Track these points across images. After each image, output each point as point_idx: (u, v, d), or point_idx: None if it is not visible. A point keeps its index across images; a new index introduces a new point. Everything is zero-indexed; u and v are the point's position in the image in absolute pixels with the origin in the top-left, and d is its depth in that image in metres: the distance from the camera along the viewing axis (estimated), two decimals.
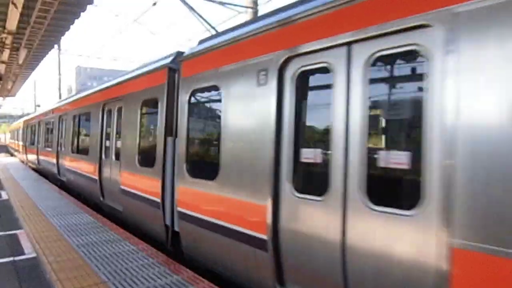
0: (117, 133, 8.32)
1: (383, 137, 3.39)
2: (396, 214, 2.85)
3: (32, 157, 21.00)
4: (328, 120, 3.42)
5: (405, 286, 2.78)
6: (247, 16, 10.69)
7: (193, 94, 5.38)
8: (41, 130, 18.49)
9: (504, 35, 2.31)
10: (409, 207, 2.78)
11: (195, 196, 5.10)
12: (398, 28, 2.86)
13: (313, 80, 3.85)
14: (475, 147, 2.40)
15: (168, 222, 5.83)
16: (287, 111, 3.80)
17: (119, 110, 8.14)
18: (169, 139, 5.90)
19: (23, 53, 14.00)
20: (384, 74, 3.25)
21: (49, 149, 15.72)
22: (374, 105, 3.26)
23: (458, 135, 2.47)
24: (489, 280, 2.31)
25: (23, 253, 5.48)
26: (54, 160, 14.34)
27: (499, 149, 2.29)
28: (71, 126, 12.14)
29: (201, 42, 5.63)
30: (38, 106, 46.05)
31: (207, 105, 5.59)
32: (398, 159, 2.94)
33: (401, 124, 3.23)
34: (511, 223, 2.22)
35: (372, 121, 3.20)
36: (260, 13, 10.65)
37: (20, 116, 50.21)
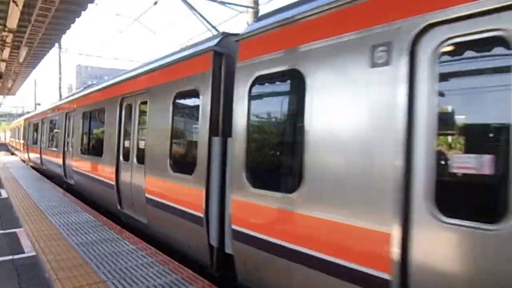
0: (139, 132, 7.23)
1: None
2: None
3: (34, 156, 19.89)
4: (497, 114, 2.53)
5: None
6: (247, 16, 10.69)
7: (256, 82, 4.22)
8: (44, 128, 17.25)
9: None
10: None
11: (261, 212, 3.99)
12: None
13: (471, 57, 2.68)
14: None
15: (213, 241, 4.75)
16: (425, 101, 2.71)
17: (143, 105, 7.06)
18: (216, 139, 4.78)
19: (23, 52, 14.00)
20: None
21: (54, 149, 14.54)
22: None
23: None
24: None
25: (22, 252, 5.49)
26: (60, 161, 13.21)
27: None
28: (81, 124, 10.93)
29: (261, 18, 4.54)
30: (39, 104, 46.03)
31: (279, 96, 4.35)
32: None
33: None
34: None
35: None
36: (260, 13, 10.65)
37: (20, 115, 50.22)
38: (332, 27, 3.40)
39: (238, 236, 4.28)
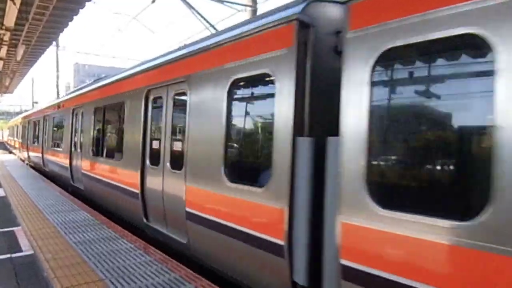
0: (175, 131, 5.97)
1: None
2: None
3: (35, 156, 18.49)
4: None
5: None
6: (246, 14, 10.69)
7: (384, 58, 2.92)
8: (47, 126, 15.75)
9: None
10: None
11: (399, 245, 2.73)
12: None
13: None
14: None
15: (300, 279, 3.57)
16: None
17: (179, 97, 5.86)
18: (304, 141, 3.55)
19: (21, 50, 13.98)
20: None
21: (59, 149, 13.15)
22: None
23: None
24: None
25: (20, 250, 5.48)
26: (66, 163, 11.83)
27: None
28: (92, 121, 9.56)
29: None
30: (36, 103, 45.86)
31: (436, 76, 2.80)
32: None
33: None
34: None
35: None
36: (259, 12, 10.66)
37: (18, 113, 50.00)
38: None
39: (355, 276, 3.04)
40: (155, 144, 6.40)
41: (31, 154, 19.81)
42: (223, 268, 4.70)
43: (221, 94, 4.64)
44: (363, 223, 2.96)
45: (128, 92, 7.46)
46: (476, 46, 2.42)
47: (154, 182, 6.29)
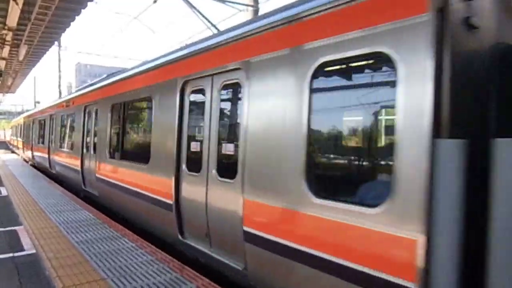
0: (223, 130, 5.00)
1: None
2: None
3: (40, 158, 17.35)
4: None
5: None
6: (247, 14, 10.70)
7: None
8: (54, 125, 14.63)
9: None
10: None
11: None
12: None
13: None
14: None
15: None
16: None
17: (230, 88, 4.86)
18: (449, 144, 2.64)
19: (23, 50, 14.04)
20: None
21: (68, 151, 12.07)
22: None
23: None
24: None
25: (22, 250, 5.50)
26: (77, 165, 10.67)
27: None
28: (108, 120, 8.46)
29: None
30: (38, 102, 45.96)
31: None
32: None
33: None
34: None
35: None
36: (260, 12, 10.66)
37: (20, 113, 50.13)
38: None
39: None
40: (195, 146, 5.30)
41: (36, 154, 18.74)
42: None
43: (301, 83, 3.56)
44: None
45: (157, 85, 6.32)
46: None
47: (193, 191, 5.20)
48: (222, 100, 4.96)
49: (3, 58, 16.11)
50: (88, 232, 6.38)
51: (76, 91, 13.23)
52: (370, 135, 3.42)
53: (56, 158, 13.75)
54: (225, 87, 4.84)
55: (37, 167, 18.30)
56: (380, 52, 2.95)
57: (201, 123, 5.27)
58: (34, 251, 5.43)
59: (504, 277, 2.49)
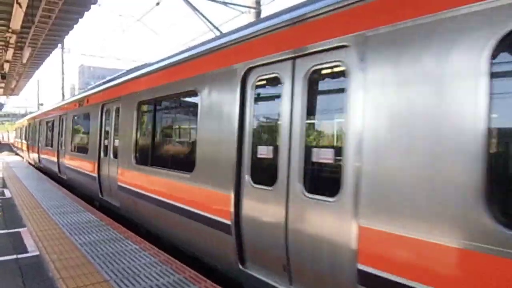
0: (312, 131, 3.85)
1: None
2: None
3: (48, 161, 16.10)
4: None
5: None
6: (250, 16, 10.73)
7: None
8: (64, 126, 13.51)
9: None
10: None
11: None
12: None
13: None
14: None
15: None
16: None
17: (325, 76, 3.72)
18: None
19: (27, 52, 14.11)
20: None
21: (81, 155, 10.83)
22: None
23: None
24: None
25: (26, 251, 5.52)
26: (93, 171, 9.52)
27: None
28: (134, 119, 7.30)
29: None
30: (41, 104, 46.17)
31: None
32: None
33: None
34: None
35: None
36: (263, 14, 10.69)
37: (23, 115, 50.35)
38: None
39: None
40: (264, 152, 4.15)
41: (43, 158, 17.57)
42: None
43: (473, 61, 2.41)
44: None
45: (205, 76, 5.12)
46: None
47: (263, 210, 4.06)
48: (312, 91, 3.70)
49: (7, 61, 16.18)
50: (92, 234, 6.40)
51: (92, 88, 11.61)
52: None
53: (67, 162, 12.51)
54: (317, 73, 3.64)
55: (43, 171, 17.23)
56: None
57: (274, 122, 4.13)
58: (37, 252, 5.45)
59: None
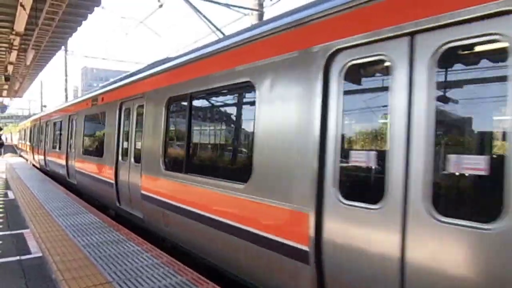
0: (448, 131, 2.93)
1: None
2: None
3: (56, 165, 14.99)
4: None
5: None
6: (252, 18, 10.75)
7: None
8: (73, 128, 12.54)
9: None
10: None
11: None
12: None
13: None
14: None
15: None
16: None
17: (478, 56, 2.69)
18: None
19: (30, 55, 14.20)
20: None
21: (94, 158, 9.88)
22: None
23: None
24: None
25: (29, 253, 5.53)
26: (109, 177, 8.52)
27: None
28: (163, 119, 6.23)
29: None
30: (45, 106, 46.35)
31: None
32: None
33: None
34: None
35: None
36: (266, 16, 10.73)
37: (27, 117, 50.54)
38: None
39: None
40: (361, 158, 3.26)
41: (50, 161, 16.46)
42: None
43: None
44: None
45: (266, 64, 4.11)
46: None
47: (362, 236, 3.09)
48: (445, 78, 2.79)
49: (11, 63, 16.28)
50: (94, 235, 6.41)
51: (107, 84, 10.62)
52: None
53: (77, 166, 11.51)
54: (455, 52, 2.66)
55: (50, 175, 16.11)
56: None
57: (381, 121, 3.26)
58: (40, 254, 5.46)
59: None
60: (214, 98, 5.69)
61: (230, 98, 5.45)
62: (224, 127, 5.64)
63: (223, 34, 9.19)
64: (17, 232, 6.67)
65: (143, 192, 6.79)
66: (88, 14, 12.52)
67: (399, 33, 2.90)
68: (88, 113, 11.04)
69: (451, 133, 2.94)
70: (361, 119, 3.51)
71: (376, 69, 3.27)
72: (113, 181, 8.26)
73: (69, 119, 13.32)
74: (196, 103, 5.78)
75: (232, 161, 5.14)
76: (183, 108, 6.03)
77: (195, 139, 5.94)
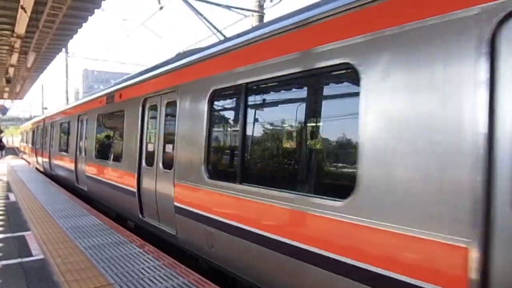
0: None
1: None
2: None
3: (63, 169, 13.81)
4: None
5: None
6: (253, 20, 10.77)
7: None
8: (83, 129, 11.30)
9: None
10: None
11: None
12: None
13: None
14: None
15: None
16: None
17: None
18: None
19: (31, 57, 14.23)
20: None
21: (110, 163, 8.80)
22: None
23: None
24: None
25: (30, 255, 5.53)
26: (130, 185, 7.35)
27: None
28: (204, 118, 5.15)
29: None
30: (46, 108, 46.40)
31: None
32: None
33: None
34: None
35: None
36: (266, 18, 10.74)
37: (28, 119, 50.59)
38: None
39: None
40: None
41: (56, 165, 15.23)
42: None
43: None
44: None
45: (375, 38, 2.95)
46: None
47: None
48: None
49: (12, 65, 16.33)
50: (96, 238, 6.41)
51: (127, 79, 9.04)
52: None
53: (88, 171, 10.30)
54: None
55: (56, 180, 14.93)
56: None
57: None
58: (42, 256, 5.46)
59: None
60: (280, 89, 4.42)
61: (312, 87, 4.06)
62: (302, 125, 4.10)
63: (224, 36, 9.19)
64: (18, 234, 6.67)
65: (176, 204, 5.66)
66: (89, 16, 12.55)
67: None
68: (102, 112, 9.73)
69: None
70: None
71: None
72: (135, 189, 7.11)
73: (78, 119, 12.01)
74: (256, 95, 4.62)
75: (314, 172, 3.91)
76: (235, 103, 5.00)
77: (254, 142, 4.71)
